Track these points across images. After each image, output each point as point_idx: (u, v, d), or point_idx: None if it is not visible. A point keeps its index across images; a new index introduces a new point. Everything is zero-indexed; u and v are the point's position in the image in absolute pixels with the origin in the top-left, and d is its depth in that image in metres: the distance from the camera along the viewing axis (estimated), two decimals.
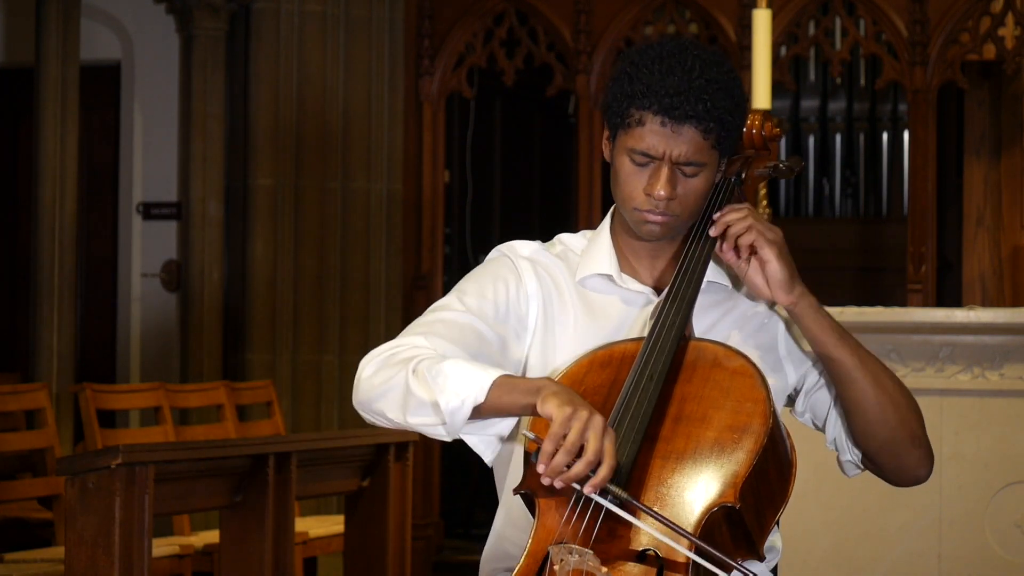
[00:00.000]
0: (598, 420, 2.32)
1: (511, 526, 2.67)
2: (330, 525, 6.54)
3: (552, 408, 2.34)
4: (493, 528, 2.72)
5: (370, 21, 8.47)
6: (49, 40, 7.79)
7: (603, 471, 2.31)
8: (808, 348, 2.66)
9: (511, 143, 10.68)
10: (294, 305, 8.28)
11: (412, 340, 2.53)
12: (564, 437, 2.31)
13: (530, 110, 10.52)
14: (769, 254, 2.56)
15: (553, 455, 2.31)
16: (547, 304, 2.67)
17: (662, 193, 2.55)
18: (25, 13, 8.34)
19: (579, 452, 2.31)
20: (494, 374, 2.42)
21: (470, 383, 2.41)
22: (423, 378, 2.44)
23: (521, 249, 2.72)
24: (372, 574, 5.64)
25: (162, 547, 5.81)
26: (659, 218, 2.58)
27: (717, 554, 2.36)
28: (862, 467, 2.69)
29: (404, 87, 8.54)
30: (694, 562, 2.37)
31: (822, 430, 2.71)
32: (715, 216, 2.60)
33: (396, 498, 5.68)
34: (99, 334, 8.72)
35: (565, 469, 2.31)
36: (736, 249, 2.59)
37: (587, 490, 2.31)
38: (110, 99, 8.66)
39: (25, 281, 8.05)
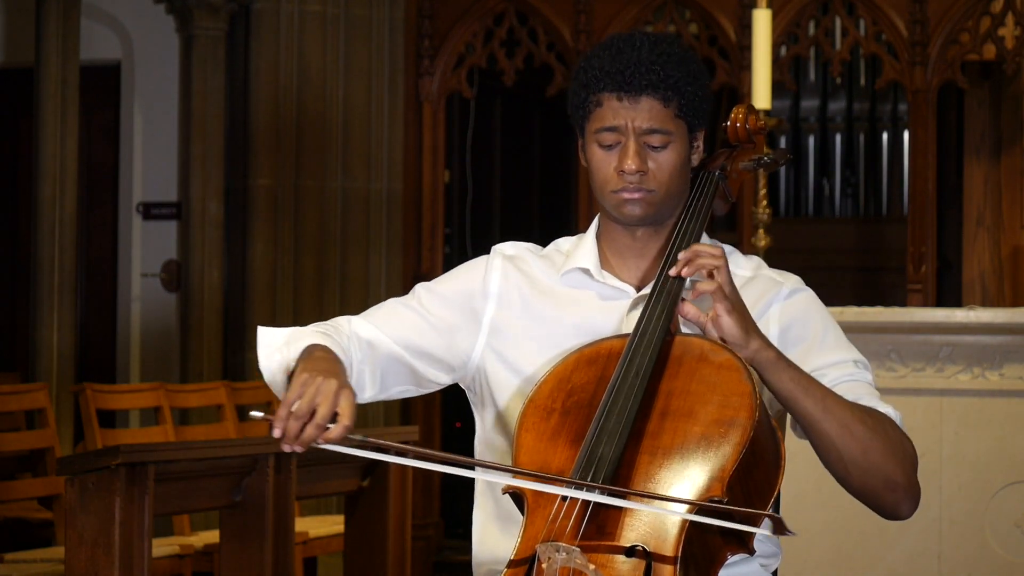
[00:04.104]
0: (329, 384, 2.36)
1: (490, 524, 2.69)
2: (330, 525, 6.54)
3: (293, 379, 2.40)
4: (473, 532, 2.73)
5: (370, 21, 8.46)
6: (49, 40, 7.79)
7: (334, 430, 2.34)
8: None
9: (511, 143, 10.67)
10: (294, 305, 8.28)
11: (342, 320, 2.68)
12: (296, 403, 2.36)
13: (530, 110, 10.51)
14: (721, 308, 2.50)
15: (287, 420, 2.35)
16: (508, 304, 2.70)
17: (632, 165, 2.58)
18: (25, 13, 8.34)
19: (311, 416, 2.35)
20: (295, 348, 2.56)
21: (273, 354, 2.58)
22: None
23: (507, 248, 2.78)
24: (372, 574, 5.63)
25: (162, 547, 5.81)
26: (636, 195, 2.60)
27: (715, 508, 2.38)
28: None
29: (404, 87, 8.54)
30: (683, 556, 2.36)
31: None
32: (682, 255, 2.54)
33: (396, 498, 5.68)
34: (99, 334, 8.72)
35: (299, 433, 2.34)
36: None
37: (321, 443, 2.36)
38: (110, 99, 8.66)
39: (25, 281, 8.05)
